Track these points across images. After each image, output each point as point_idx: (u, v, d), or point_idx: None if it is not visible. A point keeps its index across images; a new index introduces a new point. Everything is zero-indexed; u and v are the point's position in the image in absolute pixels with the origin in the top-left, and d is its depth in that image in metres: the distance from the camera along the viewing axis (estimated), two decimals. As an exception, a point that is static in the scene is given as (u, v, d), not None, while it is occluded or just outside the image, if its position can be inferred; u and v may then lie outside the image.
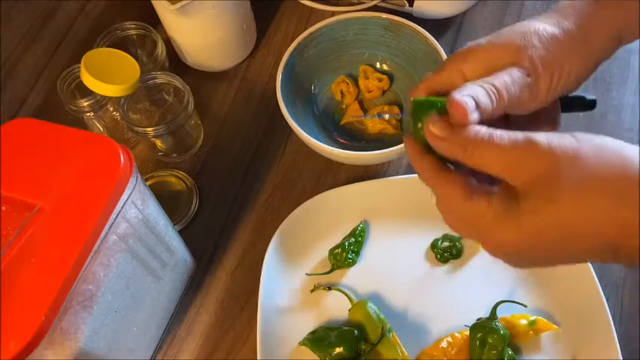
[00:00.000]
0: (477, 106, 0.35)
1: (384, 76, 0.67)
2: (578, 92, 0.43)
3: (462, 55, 0.39)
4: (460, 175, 0.36)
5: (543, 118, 0.41)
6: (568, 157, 0.32)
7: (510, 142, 0.33)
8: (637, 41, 0.72)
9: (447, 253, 0.58)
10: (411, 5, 0.71)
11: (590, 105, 0.45)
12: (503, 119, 0.39)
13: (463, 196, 0.35)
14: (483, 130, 0.34)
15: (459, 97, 0.34)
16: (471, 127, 0.34)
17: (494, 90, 0.36)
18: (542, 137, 0.33)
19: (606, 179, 0.32)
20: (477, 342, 0.52)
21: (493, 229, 0.34)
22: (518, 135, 0.33)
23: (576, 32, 0.39)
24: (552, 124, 0.42)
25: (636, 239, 0.31)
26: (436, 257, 0.58)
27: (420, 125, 0.37)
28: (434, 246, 0.59)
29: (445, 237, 0.59)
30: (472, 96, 0.35)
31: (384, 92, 0.67)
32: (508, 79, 0.36)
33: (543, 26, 0.38)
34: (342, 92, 0.67)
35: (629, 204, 0.31)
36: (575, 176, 0.32)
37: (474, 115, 0.35)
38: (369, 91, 0.67)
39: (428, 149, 0.37)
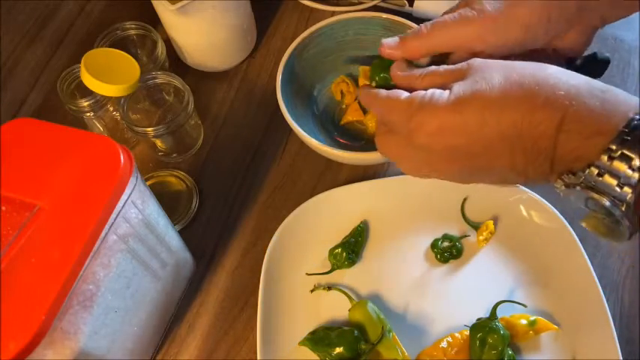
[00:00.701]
0: (402, 38, 0.44)
1: None
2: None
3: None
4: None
5: None
6: (500, 64, 0.38)
7: (454, 65, 0.40)
8: (637, 41, 0.72)
9: (447, 253, 0.58)
10: (411, 5, 0.71)
11: (603, 63, 0.46)
12: None
13: (399, 97, 0.41)
14: (433, 66, 0.42)
15: (382, 39, 0.45)
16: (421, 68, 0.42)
17: (426, 24, 0.43)
18: (482, 58, 0.39)
19: (526, 76, 0.36)
20: (477, 342, 0.52)
21: (424, 111, 0.39)
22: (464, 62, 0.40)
23: None
24: None
25: (542, 111, 0.35)
26: (436, 257, 0.58)
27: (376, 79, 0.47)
28: (434, 246, 0.59)
29: (445, 237, 0.59)
30: (399, 35, 0.44)
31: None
32: (446, 15, 0.43)
33: None
34: (342, 92, 0.67)
35: (539, 86, 0.36)
36: (503, 73, 0.37)
37: (396, 43, 0.44)
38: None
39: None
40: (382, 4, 0.73)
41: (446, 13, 0.45)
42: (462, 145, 0.38)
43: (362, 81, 0.67)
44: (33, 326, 0.36)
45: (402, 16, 0.64)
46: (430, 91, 0.39)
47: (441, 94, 0.39)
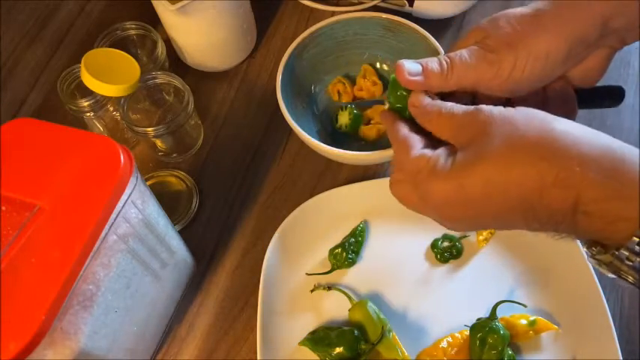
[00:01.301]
0: (425, 70, 0.40)
1: (380, 83, 0.66)
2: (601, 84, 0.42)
3: (449, 50, 0.43)
4: (415, 134, 0.40)
5: (553, 107, 0.42)
6: (502, 121, 0.35)
7: (462, 111, 0.38)
8: (637, 41, 0.71)
9: (447, 253, 0.58)
10: (411, 5, 0.71)
11: (616, 95, 0.43)
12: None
13: (410, 151, 0.39)
14: (448, 104, 0.39)
15: (401, 60, 0.41)
16: (437, 101, 0.40)
17: (446, 59, 0.40)
18: (488, 106, 0.37)
19: (530, 140, 0.34)
20: (477, 342, 0.52)
21: (428, 183, 0.37)
22: (472, 107, 0.37)
23: (550, 11, 0.40)
24: (566, 114, 0.41)
25: (554, 189, 0.33)
26: (436, 257, 0.58)
27: (392, 97, 0.43)
28: (434, 246, 0.59)
29: (445, 237, 0.59)
30: (420, 62, 0.40)
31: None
32: (465, 51, 0.40)
33: (514, 9, 0.41)
34: (339, 92, 0.67)
35: (547, 159, 0.33)
36: (504, 136, 0.35)
37: (418, 78, 0.40)
38: (361, 90, 0.67)
39: (400, 116, 0.43)
40: (382, 4, 0.73)
41: (463, 42, 0.42)
42: (469, 215, 0.37)
43: (360, 81, 0.67)
44: (33, 326, 0.36)
45: (402, 16, 0.64)
46: (434, 157, 0.37)
47: (444, 166, 0.36)
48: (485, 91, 0.41)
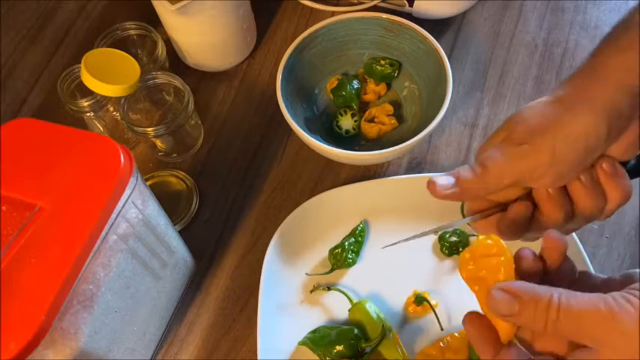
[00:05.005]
0: (458, 179, 0.38)
1: (382, 84, 0.67)
2: None
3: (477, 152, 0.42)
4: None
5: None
6: None
7: (593, 305, 0.32)
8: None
9: (453, 247, 0.58)
10: (411, 5, 0.71)
11: None
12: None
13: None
14: (564, 294, 0.33)
15: (431, 177, 0.39)
16: (546, 291, 0.33)
17: (476, 164, 0.39)
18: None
19: None
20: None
21: None
22: (597, 298, 0.32)
23: (573, 92, 0.39)
24: (623, 194, 0.40)
25: None
26: (441, 249, 0.58)
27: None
28: (441, 238, 0.59)
29: (455, 232, 0.59)
30: (451, 174, 0.39)
31: (379, 97, 0.67)
32: (492, 150, 0.39)
33: (534, 102, 0.40)
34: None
35: None
36: None
37: (453, 190, 0.39)
38: (365, 93, 0.67)
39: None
40: (382, 4, 0.73)
41: (489, 143, 0.41)
42: None
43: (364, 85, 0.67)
44: (33, 326, 0.36)
45: (402, 16, 0.64)
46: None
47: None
48: (534, 183, 0.39)
